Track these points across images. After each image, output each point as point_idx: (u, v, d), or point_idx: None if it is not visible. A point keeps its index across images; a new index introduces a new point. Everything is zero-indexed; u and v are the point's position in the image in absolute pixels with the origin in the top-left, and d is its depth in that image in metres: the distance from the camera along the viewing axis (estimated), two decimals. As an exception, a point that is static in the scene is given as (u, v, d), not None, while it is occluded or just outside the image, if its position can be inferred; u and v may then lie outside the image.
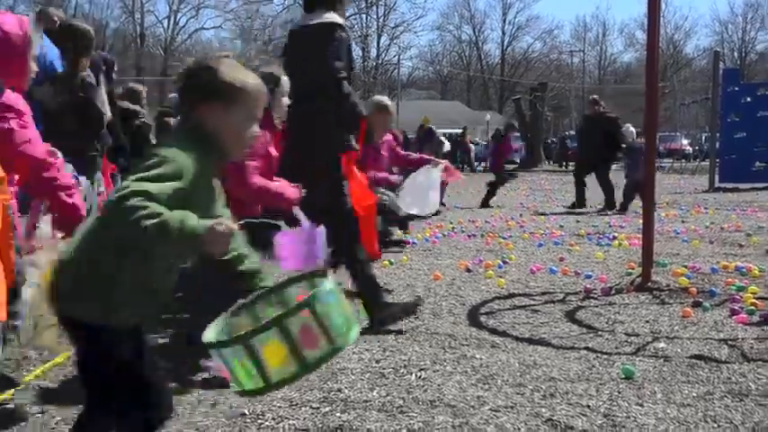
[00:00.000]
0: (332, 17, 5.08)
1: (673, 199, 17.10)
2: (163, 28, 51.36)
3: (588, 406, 3.80)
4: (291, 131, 5.18)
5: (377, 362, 4.60)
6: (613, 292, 6.63)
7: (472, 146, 37.36)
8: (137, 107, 7.99)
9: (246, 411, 3.72)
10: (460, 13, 71.56)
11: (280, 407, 3.80)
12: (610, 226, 11.83)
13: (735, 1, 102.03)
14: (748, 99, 18.98)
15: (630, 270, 7.47)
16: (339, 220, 5.06)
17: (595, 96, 15.43)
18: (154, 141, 9.12)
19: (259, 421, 3.62)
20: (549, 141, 47.73)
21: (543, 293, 6.70)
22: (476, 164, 36.69)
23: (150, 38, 51.66)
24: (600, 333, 5.30)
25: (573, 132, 40.26)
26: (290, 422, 3.60)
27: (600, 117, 14.61)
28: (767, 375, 4.24)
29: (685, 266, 7.57)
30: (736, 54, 65.01)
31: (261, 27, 37.08)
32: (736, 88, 19.60)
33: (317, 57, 4.95)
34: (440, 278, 7.32)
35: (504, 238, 10.17)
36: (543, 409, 3.76)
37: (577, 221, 12.71)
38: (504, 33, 71.87)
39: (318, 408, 3.80)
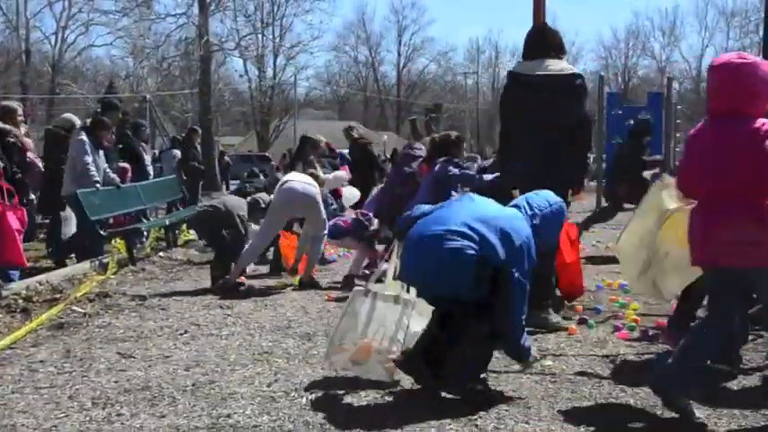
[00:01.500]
0: (569, 67, 6.04)
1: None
2: (50, 44, 49.69)
3: (476, 425, 3.86)
4: (536, 158, 5.84)
5: (268, 386, 4.56)
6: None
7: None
8: (6, 126, 7.74)
9: (131, 441, 3.62)
10: (357, 35, 72.28)
11: (166, 435, 3.72)
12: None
13: (617, 28, 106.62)
14: (631, 122, 19.73)
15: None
16: None
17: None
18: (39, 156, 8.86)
19: (144, 451, 3.53)
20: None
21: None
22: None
23: (36, 54, 49.84)
24: (490, 352, 5.38)
25: (473, 154, 40.89)
26: (177, 451, 3.53)
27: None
28: (645, 390, 4.40)
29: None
30: (620, 78, 67.82)
31: (153, 45, 36.22)
32: (620, 111, 20.40)
33: (564, 102, 5.81)
34: (332, 298, 7.31)
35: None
36: (433, 429, 3.80)
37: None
38: (399, 55, 72.91)
39: (206, 435, 3.73)
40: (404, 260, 4.35)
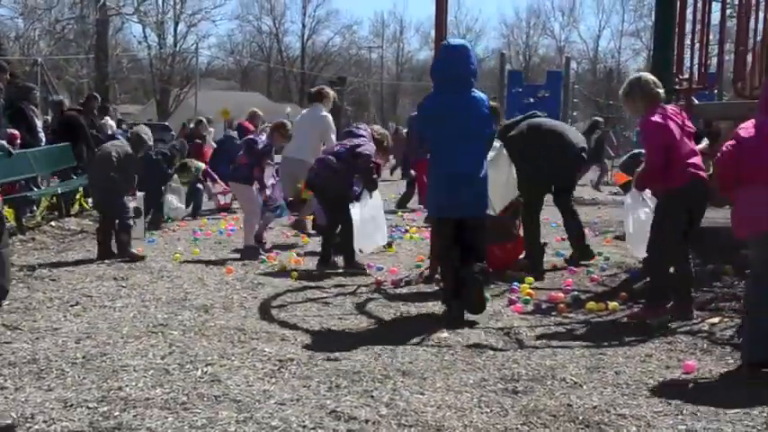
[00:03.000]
0: None
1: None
2: (-69, 4, 46.86)
3: (372, 396, 3.88)
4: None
5: (162, 358, 4.47)
6: (403, 283, 6.82)
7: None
8: None
9: (15, 415, 3.49)
10: (260, 4, 70.97)
11: (52, 408, 3.60)
12: (403, 219, 12.16)
13: (519, 7, 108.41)
14: (531, 99, 20.10)
15: (420, 263, 7.71)
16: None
17: None
18: None
19: (28, 425, 3.41)
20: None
21: (335, 286, 6.77)
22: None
23: None
24: (388, 324, 5.44)
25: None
26: (63, 424, 3.42)
27: None
28: (536, 361, 4.53)
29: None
30: (521, 57, 68.94)
31: (46, 6, 34.68)
32: (520, 89, 20.78)
33: None
34: (232, 272, 7.22)
35: (302, 232, 10.14)
36: (328, 401, 3.80)
37: (372, 215, 12.90)
38: (304, 26, 72.06)
39: (96, 407, 3.63)
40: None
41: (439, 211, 5.76)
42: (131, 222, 7.98)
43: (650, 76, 5.65)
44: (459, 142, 5.51)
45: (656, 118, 5.37)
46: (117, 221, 7.86)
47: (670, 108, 5.60)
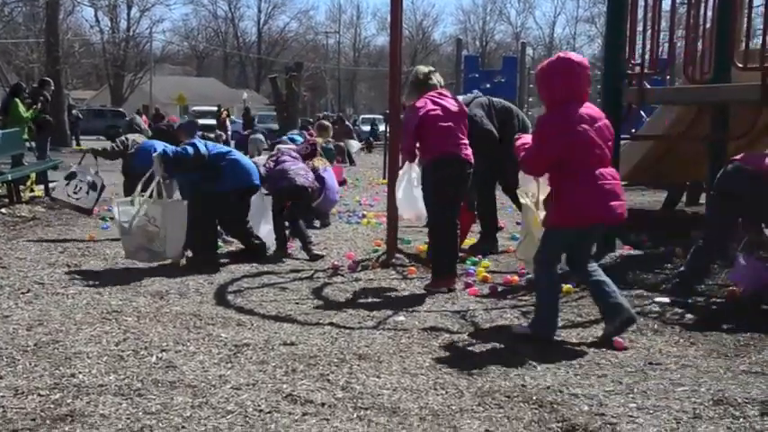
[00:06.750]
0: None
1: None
2: None
3: (329, 380, 3.89)
4: None
5: (116, 344, 4.43)
6: (360, 268, 6.83)
7: (229, 124, 36.69)
8: None
9: (-35, 403, 3.44)
10: (216, -12, 70.23)
11: (2, 396, 3.55)
12: (360, 204, 12.16)
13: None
14: (487, 85, 20.26)
15: (377, 247, 7.73)
16: None
17: None
18: None
19: (-22, 414, 3.36)
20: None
21: (292, 271, 6.76)
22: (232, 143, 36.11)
23: None
24: (344, 309, 5.44)
25: (329, 113, 41.13)
26: (14, 412, 3.36)
27: None
28: (492, 343, 4.57)
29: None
30: (478, 43, 69.30)
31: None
32: (477, 75, 20.95)
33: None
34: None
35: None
36: (285, 385, 3.80)
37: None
38: (260, 11, 71.58)
39: (47, 395, 3.58)
40: None
41: None
42: None
43: (421, 68, 6.30)
44: None
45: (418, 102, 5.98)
46: None
47: (436, 92, 6.07)
